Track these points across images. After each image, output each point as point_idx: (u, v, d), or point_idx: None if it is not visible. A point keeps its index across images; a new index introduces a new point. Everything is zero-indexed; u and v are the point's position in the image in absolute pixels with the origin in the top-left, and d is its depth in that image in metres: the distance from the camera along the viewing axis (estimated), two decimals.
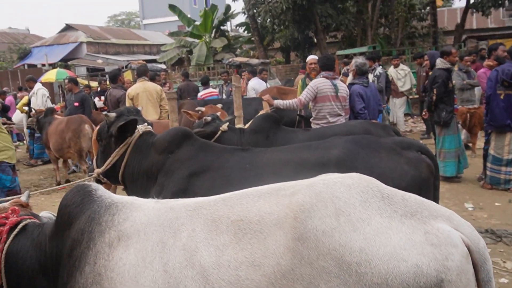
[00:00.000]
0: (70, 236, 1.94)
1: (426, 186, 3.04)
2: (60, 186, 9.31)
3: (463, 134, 9.30)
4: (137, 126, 3.42)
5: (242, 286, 1.61)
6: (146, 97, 7.78)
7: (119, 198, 2.05)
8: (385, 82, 10.25)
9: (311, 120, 6.29)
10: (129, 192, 3.52)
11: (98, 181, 3.56)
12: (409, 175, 2.97)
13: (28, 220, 2.14)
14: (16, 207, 2.16)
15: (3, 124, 10.53)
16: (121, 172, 3.44)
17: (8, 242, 2.01)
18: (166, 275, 1.70)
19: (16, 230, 2.06)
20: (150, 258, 1.75)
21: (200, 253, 1.69)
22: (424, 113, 8.38)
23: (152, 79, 8.74)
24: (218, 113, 4.97)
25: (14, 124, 11.10)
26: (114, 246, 1.83)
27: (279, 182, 2.87)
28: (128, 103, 7.72)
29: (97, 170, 3.48)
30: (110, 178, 3.59)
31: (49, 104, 11.11)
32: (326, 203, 1.64)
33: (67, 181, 9.59)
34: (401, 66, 11.77)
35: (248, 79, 10.83)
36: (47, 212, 2.40)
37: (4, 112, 11.73)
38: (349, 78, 7.04)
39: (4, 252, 1.99)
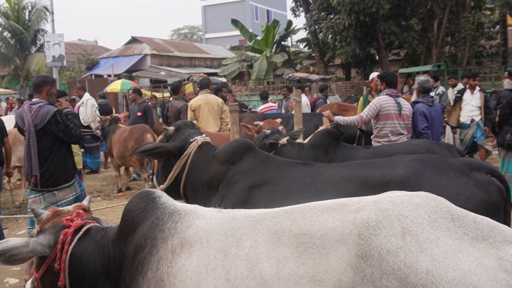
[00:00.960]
0: (134, 241, 2.00)
1: (496, 211, 2.88)
2: (121, 192, 9.66)
3: None
4: (196, 137, 3.49)
5: None
6: (207, 109, 7.96)
7: (182, 206, 2.09)
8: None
9: (372, 137, 6.18)
10: (190, 203, 3.59)
11: None
12: (477, 198, 2.82)
13: (92, 224, 2.22)
14: (81, 211, 2.25)
15: None
16: (182, 184, 3.51)
17: (72, 244, 2.09)
18: (228, 284, 1.71)
19: (81, 232, 2.13)
20: (212, 266, 1.77)
21: (262, 265, 1.69)
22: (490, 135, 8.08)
23: (217, 91, 8.94)
24: (280, 128, 4.99)
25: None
26: (177, 253, 1.87)
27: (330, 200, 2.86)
28: (190, 115, 7.93)
29: (161, 187, 3.57)
30: (172, 193, 3.67)
31: (98, 115, 11.42)
32: (392, 221, 1.60)
33: (128, 188, 9.91)
34: (459, 85, 11.22)
35: (285, 96, 10.79)
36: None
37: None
38: (413, 97, 6.88)
39: (68, 253, 2.07)
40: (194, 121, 7.61)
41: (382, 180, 2.96)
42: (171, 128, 3.63)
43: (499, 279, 1.45)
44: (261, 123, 5.98)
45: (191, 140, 3.51)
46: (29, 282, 2.31)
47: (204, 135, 3.59)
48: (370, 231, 1.59)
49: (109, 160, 11.67)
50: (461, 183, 2.88)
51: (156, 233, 1.95)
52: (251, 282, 1.68)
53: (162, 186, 3.57)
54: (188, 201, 3.62)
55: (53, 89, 5.09)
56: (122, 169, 10.15)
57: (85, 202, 2.43)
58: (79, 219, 2.21)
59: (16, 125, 10.80)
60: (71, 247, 2.08)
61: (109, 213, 8.19)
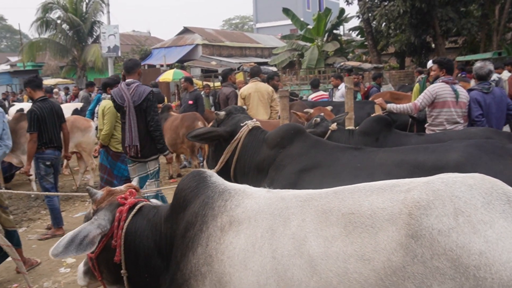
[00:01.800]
0: (185, 219, 2.05)
1: None
2: (172, 179, 9.89)
3: None
4: (246, 122, 3.52)
5: (350, 279, 1.58)
6: (257, 97, 8.00)
7: (232, 185, 2.13)
8: None
9: (426, 126, 6.01)
10: None
11: None
12: None
13: (144, 202, 2.30)
14: (133, 190, 2.33)
15: None
16: (233, 167, 3.55)
17: (127, 221, 2.17)
18: (274, 262, 1.73)
19: (135, 210, 2.22)
20: (259, 244, 1.79)
21: (309, 243, 1.69)
22: None
23: (269, 79, 8.98)
24: (322, 114, 4.95)
25: None
26: (225, 230, 1.90)
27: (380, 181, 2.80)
28: (240, 102, 8.01)
29: (212, 171, 3.63)
30: (223, 177, 3.73)
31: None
32: (444, 201, 1.56)
33: (179, 175, 10.13)
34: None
35: (335, 86, 10.56)
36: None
37: None
38: (472, 84, 6.63)
39: (124, 230, 2.15)
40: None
41: (436, 165, 2.87)
42: (222, 113, 3.68)
43: None
44: (311, 111, 5.96)
45: (242, 124, 3.54)
46: (82, 263, 2.41)
47: (254, 119, 3.60)
48: (421, 211, 1.56)
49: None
50: None
51: (206, 210, 2.00)
52: (298, 260, 1.68)
53: (213, 170, 3.61)
54: None
55: (140, 71, 5.92)
56: (174, 156, 10.38)
57: (134, 183, 2.51)
58: (132, 197, 2.29)
59: (74, 113, 11.28)
60: (126, 223, 2.16)
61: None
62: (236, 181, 3.66)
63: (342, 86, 10.16)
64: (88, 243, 2.08)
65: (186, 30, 35.43)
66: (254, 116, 7.85)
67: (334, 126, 4.57)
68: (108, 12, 28.23)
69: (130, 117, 5.56)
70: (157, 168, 5.95)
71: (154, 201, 2.45)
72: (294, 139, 3.32)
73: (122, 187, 2.40)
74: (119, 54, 27.83)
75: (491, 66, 6.44)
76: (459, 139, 4.32)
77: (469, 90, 6.15)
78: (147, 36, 43.59)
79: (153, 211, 2.25)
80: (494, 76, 9.68)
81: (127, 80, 5.72)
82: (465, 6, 20.88)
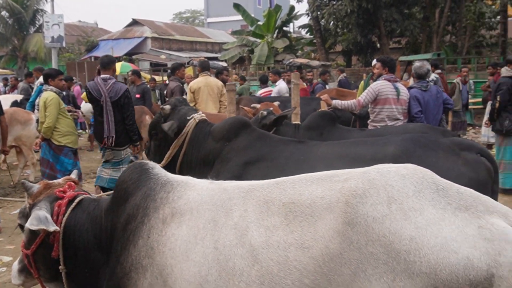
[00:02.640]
0: (126, 211, 2.03)
1: (484, 190, 2.90)
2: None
3: None
4: (193, 115, 3.51)
5: (290, 267, 1.63)
6: (207, 91, 7.98)
7: (175, 177, 2.12)
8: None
9: (368, 122, 6.20)
10: None
11: None
12: (466, 177, 2.87)
13: (84, 195, 2.25)
14: (71, 183, 2.27)
15: (69, 111, 11.09)
16: (179, 162, 3.53)
17: (66, 215, 2.12)
18: (216, 252, 1.75)
19: (74, 203, 2.17)
20: (201, 235, 1.81)
21: (251, 233, 1.73)
22: (486, 122, 8.11)
23: (218, 74, 8.96)
24: (271, 109, 5.01)
25: (77, 112, 11.53)
26: (167, 222, 1.90)
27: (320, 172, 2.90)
28: (189, 96, 7.96)
29: (160, 165, 3.59)
30: (167, 170, 3.70)
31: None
32: (378, 190, 1.64)
33: None
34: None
35: (273, 82, 10.60)
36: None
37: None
38: (410, 82, 6.91)
39: (62, 224, 2.10)
40: (192, 104, 7.77)
41: (374, 158, 3.00)
42: (167, 107, 3.64)
43: (478, 246, 1.50)
44: (258, 106, 6.01)
45: (188, 118, 3.52)
46: (16, 261, 2.32)
47: (200, 112, 3.59)
48: (357, 199, 1.63)
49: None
50: (450, 162, 2.93)
51: (148, 202, 1.98)
52: (240, 250, 1.71)
53: (161, 165, 3.59)
54: None
55: (115, 67, 6.50)
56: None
57: (73, 176, 2.45)
58: (71, 190, 2.24)
59: (14, 105, 10.78)
60: (65, 218, 2.11)
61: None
62: (182, 175, 3.65)
63: (279, 83, 10.17)
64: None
65: (135, 22, 34.67)
66: (203, 110, 7.84)
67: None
68: (52, 0, 27.17)
69: (107, 111, 6.05)
70: (129, 155, 6.53)
71: (93, 195, 2.40)
72: (240, 132, 3.35)
73: (60, 180, 2.33)
74: (64, 44, 26.82)
75: (429, 66, 6.76)
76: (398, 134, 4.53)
77: (409, 88, 6.41)
78: (94, 27, 42.26)
79: (93, 204, 2.21)
80: (433, 76, 10.10)
81: (103, 76, 6.13)
82: (408, 8, 21.66)
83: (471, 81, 14.39)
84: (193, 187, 2.01)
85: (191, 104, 7.95)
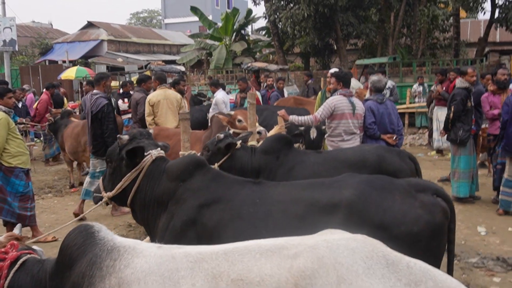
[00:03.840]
0: (71, 279, 1.94)
1: (440, 232, 2.97)
2: (73, 188, 9.41)
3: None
4: (150, 151, 3.40)
5: None
6: (166, 105, 7.88)
7: (122, 241, 2.04)
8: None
9: (326, 137, 6.26)
10: (137, 217, 3.51)
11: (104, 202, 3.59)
12: (422, 220, 2.88)
13: (28, 256, 2.13)
14: (15, 242, 2.15)
15: (20, 123, 10.70)
16: (130, 197, 3.43)
17: (8, 278, 2.00)
18: None
19: (17, 265, 2.05)
20: None
21: None
22: (441, 132, 8.33)
23: (175, 85, 8.83)
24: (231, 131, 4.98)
25: (30, 124, 11.19)
26: None
27: (288, 220, 2.88)
28: (148, 110, 7.83)
29: (108, 194, 3.48)
30: (117, 201, 3.60)
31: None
32: (328, 269, 1.61)
33: (81, 183, 9.66)
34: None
35: (213, 92, 10.33)
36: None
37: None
38: (367, 94, 7.02)
39: None
40: (151, 117, 7.62)
41: (330, 203, 2.99)
42: (125, 137, 3.52)
43: None
44: (232, 113, 5.99)
45: (146, 154, 3.41)
46: None
47: (159, 148, 3.47)
48: (306, 280, 1.60)
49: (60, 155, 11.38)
50: (407, 205, 2.93)
51: (94, 271, 1.90)
52: None
53: (109, 194, 3.48)
54: (134, 213, 3.55)
55: (108, 82, 7.24)
56: (75, 163, 9.90)
57: (16, 231, 2.33)
58: (14, 250, 2.12)
59: None
60: (7, 281, 2.00)
61: (60, 211, 7.99)
62: (132, 209, 3.55)
63: (217, 93, 9.73)
64: None
65: (90, 25, 33.82)
66: (163, 124, 7.71)
67: (238, 144, 4.59)
68: (3, 3, 26.15)
69: (88, 123, 7.03)
70: None
71: (39, 251, 2.29)
72: (194, 172, 3.27)
73: (1, 238, 2.21)
74: (16, 48, 25.92)
75: (386, 80, 6.91)
76: (354, 157, 4.57)
77: (365, 100, 6.52)
78: (48, 28, 41.00)
79: (37, 266, 2.10)
80: (389, 84, 10.32)
81: (94, 91, 7.10)
82: (364, 12, 22.01)
83: (425, 84, 14.80)
84: (141, 253, 1.93)
85: (150, 118, 7.85)
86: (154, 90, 8.34)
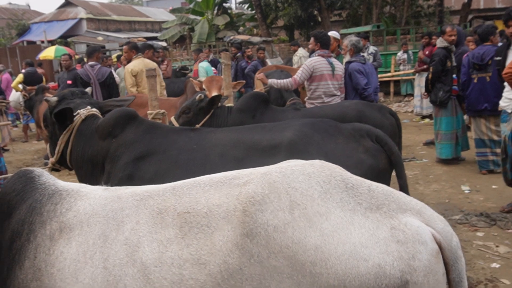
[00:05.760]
0: (10, 227, 1.79)
1: (383, 177, 2.87)
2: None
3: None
4: (79, 110, 3.23)
5: (186, 286, 1.44)
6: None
7: (65, 185, 1.88)
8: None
9: (305, 99, 6.10)
10: (80, 179, 3.36)
11: (55, 169, 3.46)
12: (366, 164, 2.81)
13: None
14: None
15: None
16: (68, 160, 3.28)
17: None
18: (106, 272, 1.55)
19: None
20: (90, 252, 1.60)
21: (143, 249, 1.53)
22: (424, 94, 8.22)
23: (145, 50, 8.62)
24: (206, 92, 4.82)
25: (7, 102, 10.93)
26: (55, 239, 1.68)
27: (226, 164, 2.76)
28: (131, 80, 7.60)
29: (51, 160, 3.36)
30: (64, 165, 3.44)
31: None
32: (280, 194, 1.46)
33: None
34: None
35: (196, 60, 10.42)
36: None
37: None
38: (346, 57, 6.83)
39: None
40: (135, 88, 7.45)
41: (270, 144, 2.88)
42: (53, 99, 3.34)
43: (391, 250, 1.36)
44: (203, 79, 5.83)
45: (74, 114, 3.23)
46: None
47: (89, 107, 3.29)
48: (256, 206, 1.45)
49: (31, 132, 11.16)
50: (350, 149, 2.86)
51: (33, 217, 1.75)
52: (131, 269, 1.52)
53: (52, 159, 3.35)
54: (77, 175, 3.40)
55: (100, 54, 8.06)
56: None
57: None
58: None
59: None
60: None
61: None
62: (77, 173, 3.40)
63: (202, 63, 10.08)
64: None
65: (68, 3, 32.97)
66: (147, 93, 7.51)
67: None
68: None
69: (96, 91, 7.31)
70: None
71: None
72: (126, 126, 3.10)
73: None
74: None
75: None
76: (333, 113, 4.42)
77: (348, 63, 6.35)
78: (25, 9, 40.03)
79: None
80: (371, 49, 10.15)
81: (90, 63, 7.67)
82: None
83: (410, 52, 14.64)
84: (85, 196, 1.78)
85: (133, 89, 7.65)
86: (130, 61, 8.09)
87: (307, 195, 1.45)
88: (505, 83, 5.17)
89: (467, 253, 4.34)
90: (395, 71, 14.51)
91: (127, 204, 1.67)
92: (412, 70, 12.50)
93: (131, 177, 2.90)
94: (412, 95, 14.04)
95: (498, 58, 5.51)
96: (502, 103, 5.35)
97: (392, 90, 14.25)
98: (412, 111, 12.85)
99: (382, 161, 2.89)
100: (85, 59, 9.31)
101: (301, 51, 12.14)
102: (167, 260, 1.49)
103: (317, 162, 1.60)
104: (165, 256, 1.49)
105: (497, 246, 4.47)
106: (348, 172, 1.59)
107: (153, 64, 7.85)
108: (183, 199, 1.59)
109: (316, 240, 1.37)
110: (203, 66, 10.03)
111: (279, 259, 1.38)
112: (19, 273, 1.69)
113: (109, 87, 7.59)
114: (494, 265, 4.13)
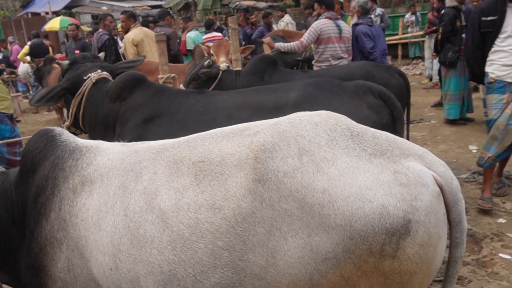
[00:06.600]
0: (35, 183, 1.90)
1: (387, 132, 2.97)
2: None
3: None
4: (90, 74, 3.29)
5: (202, 230, 1.54)
6: (147, 42, 7.63)
7: (84, 142, 1.98)
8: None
9: (313, 62, 6.10)
10: None
11: (72, 133, 3.56)
12: (369, 120, 2.85)
13: None
14: None
15: (2, 70, 10.56)
16: (81, 122, 3.37)
17: None
18: (127, 219, 1.65)
19: None
20: (111, 202, 1.71)
21: (160, 197, 1.63)
22: (433, 54, 8.16)
23: (145, 25, 8.56)
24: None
25: (15, 74, 11.03)
26: (78, 191, 1.79)
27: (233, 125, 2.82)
28: (132, 50, 7.56)
29: (66, 123, 3.45)
30: (79, 128, 3.53)
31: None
32: (289, 142, 1.54)
33: None
34: None
35: (184, 29, 10.22)
36: None
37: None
38: (353, 19, 6.78)
39: None
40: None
41: (276, 105, 2.94)
42: (65, 62, 3.41)
43: (394, 192, 1.43)
44: (210, 44, 5.87)
45: (85, 77, 3.30)
46: None
47: (99, 70, 3.35)
48: (266, 154, 1.54)
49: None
50: (354, 106, 2.91)
51: (56, 172, 1.86)
52: (150, 215, 1.62)
53: (67, 123, 3.44)
54: (90, 137, 3.50)
55: (106, 21, 8.33)
56: (65, 110, 9.79)
57: None
58: None
59: None
60: None
61: None
62: (90, 135, 3.50)
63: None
64: None
65: None
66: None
67: (223, 66, 4.57)
68: None
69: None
70: None
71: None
72: (135, 89, 3.17)
73: None
74: None
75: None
76: (340, 75, 4.44)
77: (355, 25, 6.32)
78: None
79: (1, 177, 2.06)
80: (378, 11, 10.03)
81: (98, 30, 8.19)
82: None
83: (418, 13, 14.42)
84: (104, 151, 1.89)
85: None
86: (128, 30, 8.04)
87: (314, 143, 1.53)
88: (499, 46, 4.30)
89: (473, 209, 4.44)
90: (403, 33, 14.32)
91: (144, 157, 1.77)
92: (421, 32, 12.36)
93: (140, 139, 2.99)
94: (420, 57, 13.93)
95: (491, 18, 4.32)
96: (498, 72, 4.29)
97: (400, 53, 14.11)
98: (420, 74, 12.78)
99: (385, 117, 2.96)
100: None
101: (287, 18, 12.08)
102: (183, 205, 1.58)
103: (323, 112, 1.68)
104: (182, 202, 1.59)
105: (503, 203, 4.56)
106: (353, 121, 1.66)
107: (152, 33, 7.78)
108: (197, 150, 1.68)
109: (324, 183, 1.45)
110: (191, 36, 9.86)
111: (289, 202, 1.46)
112: (46, 225, 1.80)
113: (105, 54, 7.82)
114: (501, 220, 4.22)
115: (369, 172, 1.46)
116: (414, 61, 14.42)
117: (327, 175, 1.46)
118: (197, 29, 10.94)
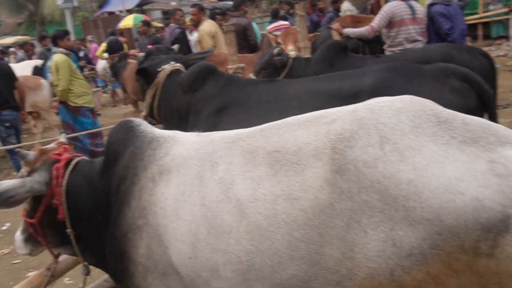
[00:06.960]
0: (117, 173, 1.97)
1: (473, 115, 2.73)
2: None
3: None
4: (163, 66, 3.35)
5: (279, 220, 1.50)
6: (220, 34, 7.68)
7: (161, 132, 2.02)
8: None
9: (385, 48, 5.88)
10: None
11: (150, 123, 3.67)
12: (454, 105, 2.63)
13: (79, 158, 2.19)
14: (66, 146, 2.20)
15: (83, 67, 11.12)
16: (156, 114, 3.45)
17: (66, 178, 2.04)
18: (204, 209, 1.66)
19: (71, 165, 2.10)
20: (188, 192, 1.72)
21: (237, 186, 1.62)
22: None
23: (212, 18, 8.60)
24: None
25: (94, 71, 11.60)
26: (156, 180, 1.83)
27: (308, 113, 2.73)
28: (210, 42, 7.63)
29: (142, 114, 3.57)
30: (155, 119, 3.63)
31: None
32: (369, 130, 1.45)
33: None
34: None
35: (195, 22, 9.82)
36: None
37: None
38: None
39: (63, 187, 2.02)
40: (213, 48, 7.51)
41: (350, 92, 2.81)
42: (140, 55, 3.51)
43: (490, 184, 1.29)
44: (278, 33, 5.84)
45: (158, 69, 3.36)
46: (18, 232, 2.27)
47: (173, 62, 3.41)
48: (345, 143, 1.46)
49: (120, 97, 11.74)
50: (435, 90, 2.70)
51: (136, 162, 1.91)
52: (227, 205, 1.61)
53: (143, 113, 3.54)
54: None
55: (177, 16, 8.88)
56: (140, 103, 10.17)
57: (62, 139, 2.37)
58: (66, 153, 2.17)
59: (35, 71, 10.74)
60: (65, 180, 2.04)
61: None
62: (165, 125, 3.57)
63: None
64: (13, 202, 1.96)
65: None
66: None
67: (293, 54, 4.55)
68: None
69: None
70: None
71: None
72: (206, 80, 3.19)
73: (52, 145, 2.25)
74: (75, 3, 26.50)
75: None
76: (416, 58, 4.22)
77: (431, 5, 6.02)
78: None
79: (87, 166, 2.14)
80: None
81: (170, 25, 8.71)
82: None
83: None
84: (180, 141, 1.91)
85: None
86: (197, 23, 8.15)
87: (397, 130, 1.43)
88: None
89: None
90: (484, 11, 13.40)
91: (220, 146, 1.77)
92: (505, 10, 11.55)
93: (214, 129, 3.03)
94: (504, 37, 13.00)
95: None
96: None
97: (480, 33, 13.20)
98: (504, 55, 11.97)
99: (472, 101, 2.73)
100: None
101: (347, 5, 11.59)
102: (260, 196, 1.55)
103: (406, 98, 1.57)
104: (258, 192, 1.56)
105: None
106: (440, 106, 1.53)
107: (216, 25, 7.83)
108: (272, 139, 1.64)
109: (409, 174, 1.35)
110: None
111: (370, 193, 1.38)
112: (128, 212, 1.86)
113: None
114: None
115: (460, 162, 1.33)
116: (497, 42, 13.44)
117: (412, 164, 1.35)
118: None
